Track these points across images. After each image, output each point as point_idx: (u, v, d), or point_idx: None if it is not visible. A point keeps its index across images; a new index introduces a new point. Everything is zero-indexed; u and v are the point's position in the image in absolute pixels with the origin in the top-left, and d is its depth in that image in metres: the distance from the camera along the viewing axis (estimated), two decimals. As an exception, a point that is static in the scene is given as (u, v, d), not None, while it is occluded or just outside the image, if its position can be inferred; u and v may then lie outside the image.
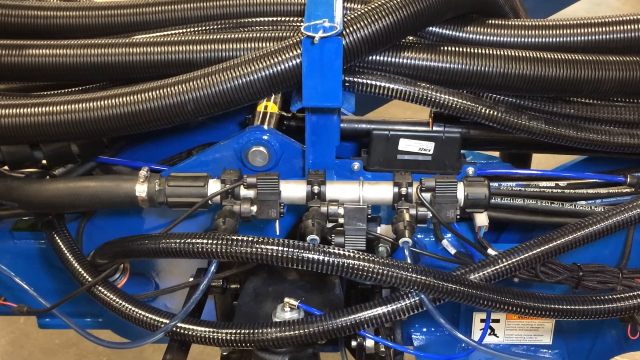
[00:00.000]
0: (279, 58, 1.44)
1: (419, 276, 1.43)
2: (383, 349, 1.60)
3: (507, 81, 1.54)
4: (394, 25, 1.44)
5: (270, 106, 1.78)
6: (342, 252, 1.43)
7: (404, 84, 1.53)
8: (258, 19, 1.65)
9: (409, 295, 1.49)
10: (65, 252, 1.69)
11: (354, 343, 1.64)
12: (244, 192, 1.53)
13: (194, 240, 1.44)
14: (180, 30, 1.66)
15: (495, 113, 1.58)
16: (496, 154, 2.04)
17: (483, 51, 1.54)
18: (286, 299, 1.58)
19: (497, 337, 1.91)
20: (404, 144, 1.69)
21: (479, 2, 1.64)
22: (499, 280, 1.53)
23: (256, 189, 1.50)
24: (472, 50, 1.54)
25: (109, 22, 1.67)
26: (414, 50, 1.53)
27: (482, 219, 1.67)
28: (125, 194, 1.55)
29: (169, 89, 1.46)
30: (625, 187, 1.74)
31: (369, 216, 1.50)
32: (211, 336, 1.54)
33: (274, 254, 1.42)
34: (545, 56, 1.55)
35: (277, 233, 1.58)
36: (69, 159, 1.71)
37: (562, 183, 1.74)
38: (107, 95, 1.48)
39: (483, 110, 1.58)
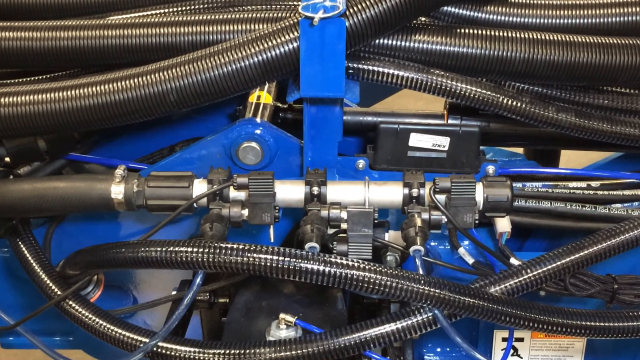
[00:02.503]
0: (274, 42, 1.44)
1: (432, 289, 1.43)
2: (391, 372, 1.60)
3: (532, 68, 1.54)
4: (404, 4, 1.43)
5: (263, 96, 1.78)
6: (345, 262, 1.43)
7: (415, 71, 1.53)
8: (250, -2, 1.66)
9: (421, 310, 1.49)
10: (31, 261, 1.69)
11: (358, 365, 1.64)
12: (233, 193, 1.53)
13: (177, 249, 1.44)
14: (162, 10, 1.66)
15: (519, 104, 1.58)
16: (520, 150, 2.04)
17: (505, 34, 1.54)
18: (281, 315, 1.58)
19: (521, 357, 1.91)
20: (416, 139, 1.69)
21: (501, -22, 1.64)
22: (523, 294, 1.53)
23: (248, 191, 1.50)
24: (492, 33, 1.54)
25: (80, 1, 1.67)
26: (426, 33, 1.53)
27: (503, 224, 1.67)
28: (99, 195, 1.55)
29: (148, 77, 1.46)
30: (667, 188, 1.74)
31: (376, 221, 1.50)
32: (197, 357, 1.54)
33: (268, 264, 1.42)
34: (576, 40, 1.55)
35: (272, 240, 1.58)
36: (36, 156, 1.71)
37: (594, 183, 1.74)
38: (79, 84, 1.48)
39: (505, 101, 1.57)
